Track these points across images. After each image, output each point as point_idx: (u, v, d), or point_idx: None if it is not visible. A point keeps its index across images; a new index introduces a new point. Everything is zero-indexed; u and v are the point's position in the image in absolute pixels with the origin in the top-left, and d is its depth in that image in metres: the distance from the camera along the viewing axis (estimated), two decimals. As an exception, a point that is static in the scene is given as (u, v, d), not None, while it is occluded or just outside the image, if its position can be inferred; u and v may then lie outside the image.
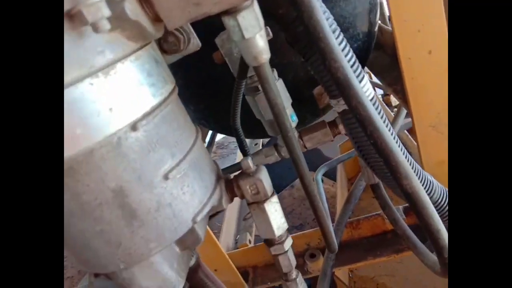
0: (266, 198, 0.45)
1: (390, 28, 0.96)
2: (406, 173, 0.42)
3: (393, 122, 0.94)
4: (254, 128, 0.72)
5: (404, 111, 0.93)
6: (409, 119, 1.39)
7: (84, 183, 0.34)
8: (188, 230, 0.42)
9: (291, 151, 0.47)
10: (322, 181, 1.56)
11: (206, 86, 0.81)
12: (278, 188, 1.64)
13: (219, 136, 2.31)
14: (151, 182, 0.37)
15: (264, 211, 0.45)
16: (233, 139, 2.47)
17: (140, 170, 0.36)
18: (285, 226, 0.48)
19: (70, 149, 0.32)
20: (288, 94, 0.66)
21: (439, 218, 0.44)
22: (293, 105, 0.70)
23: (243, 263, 0.92)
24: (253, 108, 0.69)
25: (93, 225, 0.36)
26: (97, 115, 0.32)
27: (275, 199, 0.46)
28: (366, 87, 0.46)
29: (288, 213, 1.42)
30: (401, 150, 0.49)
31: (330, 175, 1.57)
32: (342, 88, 0.41)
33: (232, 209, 1.24)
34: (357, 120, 0.43)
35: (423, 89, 0.57)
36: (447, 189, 0.56)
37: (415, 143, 0.69)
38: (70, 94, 0.31)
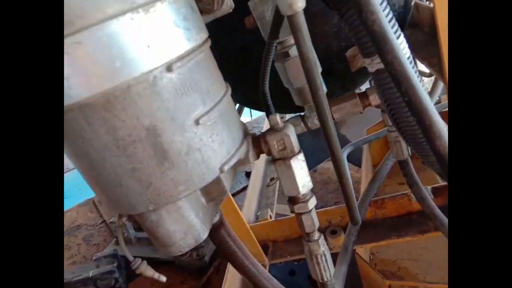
0: (293, 155, 0.45)
1: (427, 4, 0.91)
2: (440, 133, 0.41)
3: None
4: (280, 101, 0.72)
5: (438, 90, 0.89)
6: (441, 104, 1.32)
7: (121, 118, 0.35)
8: (215, 179, 0.43)
9: (320, 111, 0.46)
10: (346, 166, 1.54)
11: (236, 57, 0.81)
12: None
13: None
14: (183, 125, 0.38)
15: (290, 167, 0.45)
16: (256, 124, 2.46)
17: (173, 111, 0.37)
18: (310, 185, 0.47)
19: (108, 82, 0.33)
20: (318, 63, 0.65)
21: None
22: (323, 76, 0.68)
23: (263, 237, 0.93)
24: (282, 76, 0.68)
25: (125, 162, 0.38)
26: (135, 50, 0.33)
27: (301, 156, 0.46)
28: (403, 45, 0.44)
29: (309, 196, 1.42)
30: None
31: (355, 161, 1.54)
32: (378, 42, 0.40)
33: (254, 186, 1.25)
34: (391, 77, 0.41)
35: (463, 56, 0.54)
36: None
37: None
38: (111, 27, 0.32)
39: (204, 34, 0.43)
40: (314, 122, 0.72)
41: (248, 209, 1.10)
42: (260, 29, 0.63)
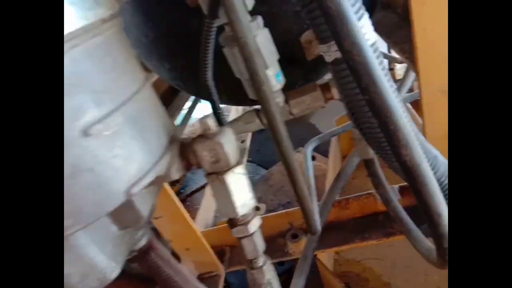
0: (228, 168, 0.36)
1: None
2: (406, 140, 0.33)
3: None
4: (236, 92, 0.62)
5: (411, 78, 0.82)
6: (413, 93, 1.27)
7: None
8: (125, 204, 0.33)
9: (267, 111, 0.37)
10: (314, 158, 1.46)
11: (183, 40, 0.69)
12: (269, 164, 1.55)
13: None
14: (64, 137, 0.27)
15: (224, 184, 0.36)
16: (227, 112, 2.33)
17: (43, 119, 0.26)
18: (251, 203, 0.38)
19: None
20: (274, 49, 0.55)
21: (442, 200, 0.35)
22: (282, 64, 0.59)
23: (219, 242, 0.85)
24: (232, 64, 0.57)
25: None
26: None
27: (240, 169, 0.37)
28: (366, 29, 0.35)
29: (276, 191, 1.34)
30: (405, 113, 0.39)
31: (324, 152, 1.47)
32: (333, 23, 0.31)
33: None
34: (349, 69, 0.32)
35: (435, 42, 0.46)
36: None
37: (420, 120, 0.59)
38: None
39: (105, 11, 0.31)
40: (270, 118, 0.62)
41: (205, 210, 1.01)
42: (202, 7, 0.51)
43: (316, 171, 1.39)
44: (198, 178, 1.51)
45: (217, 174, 0.36)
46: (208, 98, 0.53)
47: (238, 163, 0.37)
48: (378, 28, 0.81)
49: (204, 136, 0.36)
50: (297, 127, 1.67)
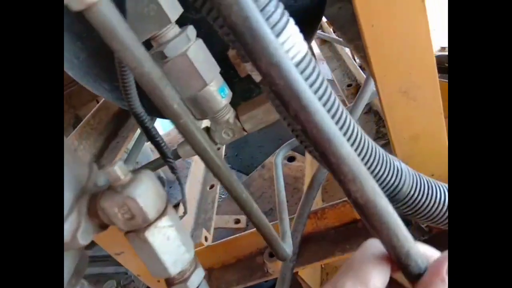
0: (148, 224, 0.30)
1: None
2: (353, 174, 0.27)
3: (363, 88, 0.78)
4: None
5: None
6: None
7: None
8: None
9: (191, 142, 0.31)
10: (294, 159, 1.41)
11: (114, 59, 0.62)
12: (249, 169, 1.49)
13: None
14: None
15: (146, 243, 0.30)
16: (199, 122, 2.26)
17: None
18: (186, 258, 0.32)
19: None
20: (213, 60, 0.49)
21: (408, 236, 0.30)
22: (227, 75, 0.53)
23: (195, 266, 0.79)
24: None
25: None
26: None
27: (165, 221, 0.31)
28: (291, 42, 0.29)
29: (257, 198, 1.29)
30: (354, 133, 0.34)
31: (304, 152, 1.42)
32: (243, 43, 0.25)
33: (189, 199, 1.09)
34: (273, 93, 0.26)
35: (388, 40, 0.40)
36: (421, 176, 0.42)
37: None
38: None
39: None
40: (223, 137, 0.56)
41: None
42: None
43: (297, 172, 1.34)
44: (176, 193, 1.45)
45: (136, 232, 0.30)
46: (142, 127, 0.46)
47: (163, 214, 0.31)
48: (334, 22, 0.75)
49: (112, 188, 0.29)
50: (274, 127, 1.61)
